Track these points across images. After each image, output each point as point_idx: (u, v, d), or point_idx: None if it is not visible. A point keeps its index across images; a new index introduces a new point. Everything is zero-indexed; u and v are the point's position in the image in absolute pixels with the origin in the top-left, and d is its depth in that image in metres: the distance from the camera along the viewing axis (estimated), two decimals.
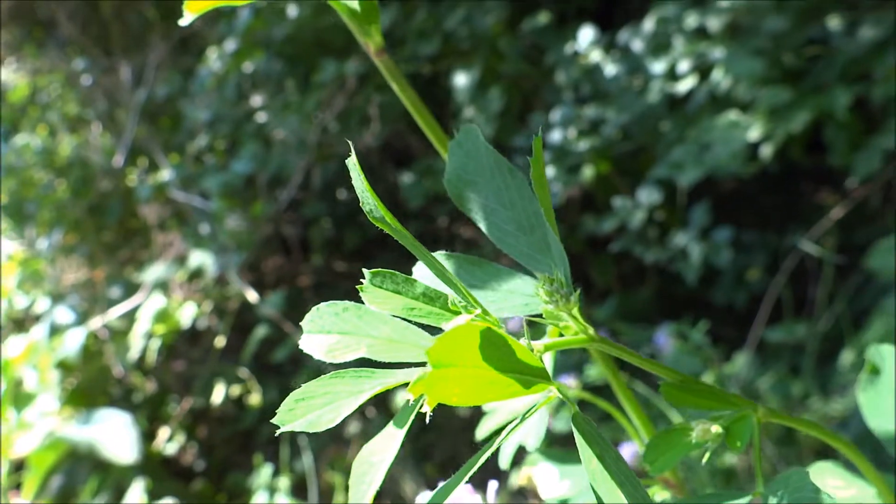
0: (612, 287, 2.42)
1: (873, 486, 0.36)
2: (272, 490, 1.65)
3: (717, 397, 0.34)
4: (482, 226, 0.34)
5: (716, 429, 0.33)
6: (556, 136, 2.05)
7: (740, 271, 2.11)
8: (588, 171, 2.08)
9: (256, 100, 2.48)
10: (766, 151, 1.68)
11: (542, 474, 0.39)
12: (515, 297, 0.32)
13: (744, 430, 0.34)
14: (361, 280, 0.31)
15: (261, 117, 2.41)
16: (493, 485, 0.37)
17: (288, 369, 2.17)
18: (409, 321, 0.29)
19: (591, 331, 0.31)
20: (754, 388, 1.75)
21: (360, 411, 2.21)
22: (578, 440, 0.28)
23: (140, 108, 2.35)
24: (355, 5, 0.34)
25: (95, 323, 1.81)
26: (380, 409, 2.13)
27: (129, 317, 1.83)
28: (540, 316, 0.32)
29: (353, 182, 0.31)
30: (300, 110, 2.28)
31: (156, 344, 1.81)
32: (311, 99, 2.30)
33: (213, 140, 2.42)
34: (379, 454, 0.28)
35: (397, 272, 0.29)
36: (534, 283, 0.31)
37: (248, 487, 1.78)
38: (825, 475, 0.41)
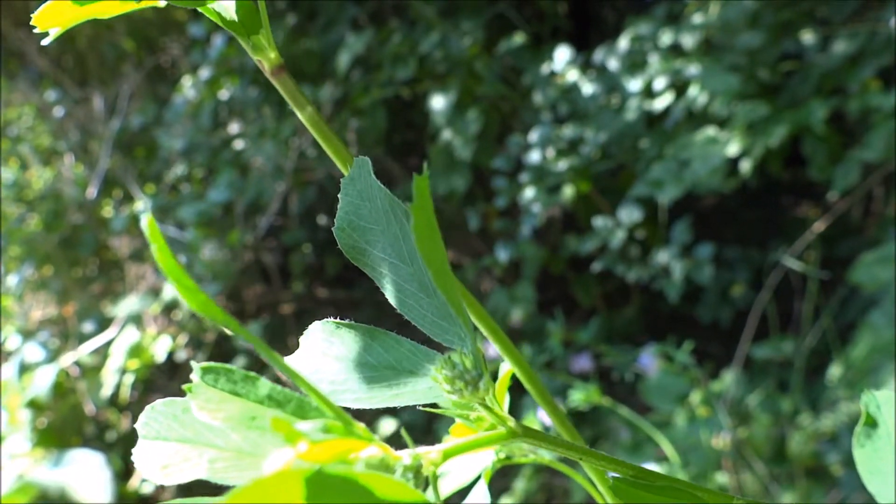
0: (597, 307, 2.39)
1: None
2: None
3: (679, 494, 0.26)
4: (381, 285, 0.28)
5: None
6: (534, 156, 2.03)
7: (724, 288, 2.09)
8: (568, 191, 2.06)
9: (233, 127, 2.46)
10: (746, 166, 1.67)
11: None
12: (419, 381, 0.25)
13: None
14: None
15: (237, 144, 2.38)
16: None
17: None
18: None
19: (511, 423, 0.24)
20: (743, 405, 1.72)
21: None
22: None
23: (114, 138, 2.31)
24: (229, 8, 0.26)
25: (67, 359, 1.75)
26: None
27: (102, 352, 1.78)
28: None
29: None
30: (276, 137, 2.26)
31: (130, 379, 1.76)
32: (287, 125, 2.27)
33: (190, 169, 2.39)
34: None
35: (234, 368, 0.22)
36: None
37: None
38: None
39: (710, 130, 1.70)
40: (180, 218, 2.14)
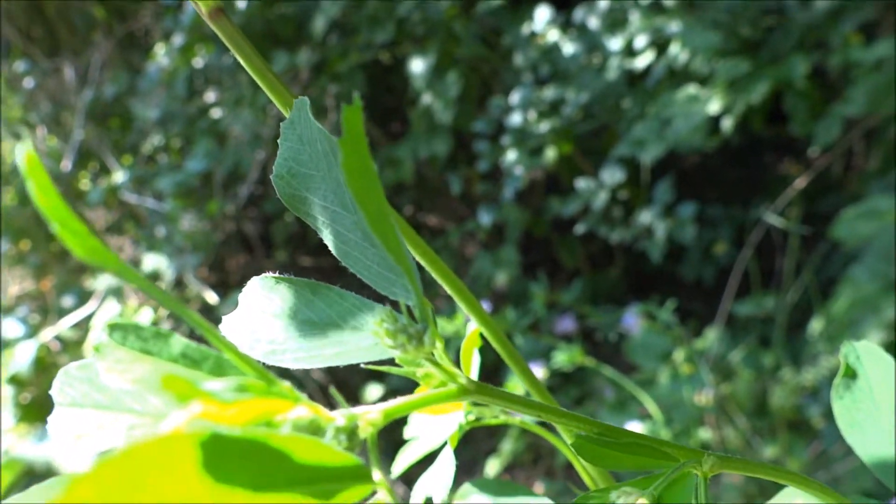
0: (580, 269, 2.39)
1: None
2: None
3: (645, 451, 0.24)
4: (324, 236, 0.26)
5: (641, 501, 0.23)
6: (516, 118, 2.01)
7: (707, 246, 2.10)
8: (550, 153, 2.05)
9: (209, 96, 2.41)
10: (727, 124, 1.65)
11: None
12: (363, 337, 0.23)
13: (681, 497, 0.24)
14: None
15: (214, 113, 2.34)
16: None
17: None
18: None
19: (462, 379, 0.22)
20: (726, 362, 1.74)
21: None
22: None
23: (86, 109, 2.26)
24: None
25: (47, 334, 1.73)
26: None
27: (83, 326, 1.76)
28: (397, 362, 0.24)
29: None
30: (253, 104, 2.22)
31: None
32: (263, 93, 2.23)
33: (166, 139, 2.34)
34: None
35: (144, 325, 0.20)
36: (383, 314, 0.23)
37: None
38: (794, 495, 0.37)
39: (692, 88, 1.68)
40: (158, 189, 2.11)
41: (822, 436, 1.54)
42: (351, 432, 0.18)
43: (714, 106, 1.64)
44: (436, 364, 0.21)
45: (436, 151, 2.20)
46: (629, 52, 1.88)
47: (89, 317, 1.76)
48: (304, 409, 0.17)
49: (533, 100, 2.01)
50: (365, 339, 0.23)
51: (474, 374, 0.33)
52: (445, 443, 0.30)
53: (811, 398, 1.58)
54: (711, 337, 1.77)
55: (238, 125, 2.19)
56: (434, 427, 0.31)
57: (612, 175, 1.90)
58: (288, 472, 0.15)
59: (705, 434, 1.65)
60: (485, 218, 2.13)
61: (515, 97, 2.00)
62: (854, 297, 1.47)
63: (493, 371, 1.68)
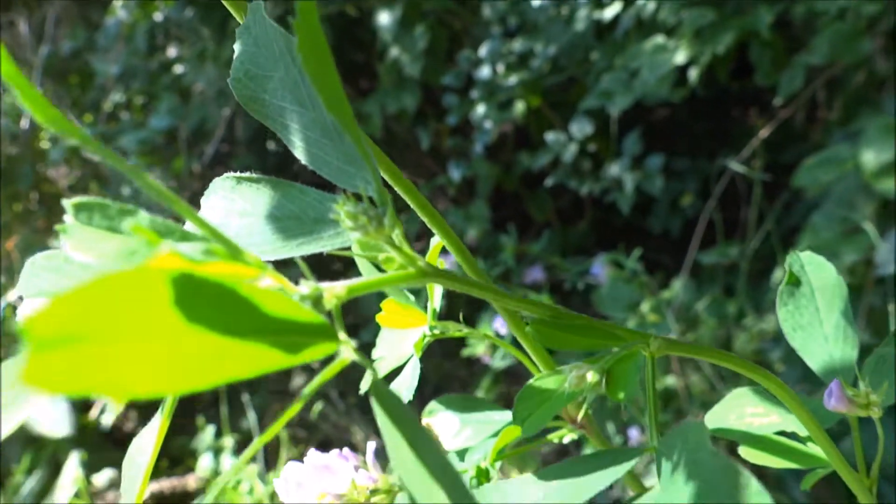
0: (551, 222, 2.41)
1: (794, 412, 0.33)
2: (217, 451, 1.61)
3: (597, 333, 0.26)
4: (284, 137, 0.26)
5: (591, 375, 0.25)
6: (484, 71, 2.00)
7: (675, 198, 2.13)
8: (519, 107, 2.04)
9: (171, 51, 2.35)
10: (694, 74, 1.66)
11: (441, 424, 0.35)
12: (325, 227, 0.24)
13: (629, 373, 0.26)
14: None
15: (177, 69, 2.29)
16: (371, 445, 0.33)
17: None
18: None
19: (421, 263, 0.23)
20: (691, 311, 1.78)
21: (307, 365, 2.18)
22: (381, 419, 0.19)
23: (43, 65, 2.19)
24: None
25: (12, 295, 1.71)
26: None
27: None
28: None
29: None
30: (217, 59, 2.17)
31: None
32: (227, 46, 2.18)
33: (129, 95, 2.29)
34: (143, 454, 0.23)
35: (110, 203, 0.20)
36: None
37: (194, 450, 1.74)
38: (744, 403, 0.39)
39: (659, 38, 1.69)
40: (121, 147, 2.07)
41: (783, 377, 1.59)
42: (316, 300, 0.18)
43: (680, 56, 1.64)
44: (396, 248, 0.22)
45: (404, 106, 2.19)
46: (597, 2, 1.87)
47: None
48: (271, 279, 0.17)
49: (502, 52, 2.00)
50: (328, 230, 0.23)
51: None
52: (412, 355, 0.31)
53: (772, 343, 1.63)
54: (677, 287, 1.81)
55: (202, 81, 2.15)
56: (400, 341, 0.32)
57: (581, 128, 1.90)
58: (256, 320, 0.15)
59: (671, 380, 1.69)
60: (455, 173, 2.13)
61: (484, 50, 1.99)
62: (814, 244, 1.51)
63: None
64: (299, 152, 0.25)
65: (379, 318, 0.33)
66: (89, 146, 0.18)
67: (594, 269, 1.44)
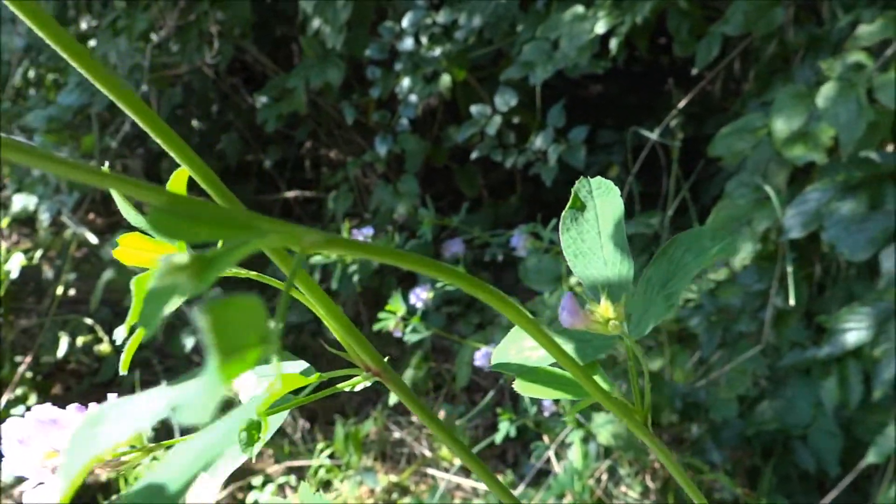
0: (482, 198, 2.40)
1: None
2: None
3: (231, 223, 0.20)
4: None
5: (180, 258, 0.18)
6: (408, 43, 1.96)
7: (602, 171, 2.13)
8: (445, 79, 2.01)
9: (82, 24, 2.24)
10: (614, 44, 1.66)
11: (241, 383, 0.33)
12: None
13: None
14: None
15: (88, 43, 2.18)
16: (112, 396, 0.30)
17: None
18: None
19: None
20: None
21: None
22: None
23: None
24: None
25: None
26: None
27: None
28: None
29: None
30: (130, 32, 2.08)
31: None
32: (141, 19, 2.09)
33: (36, 70, 2.18)
34: None
35: None
36: None
37: None
38: (522, 336, 0.37)
39: (579, 7, 1.67)
40: (28, 124, 1.96)
41: (702, 345, 1.61)
42: None
43: (600, 26, 1.63)
44: None
45: (329, 79, 2.13)
46: None
47: None
48: None
49: (425, 24, 1.96)
50: None
51: None
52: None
53: (692, 311, 1.65)
54: None
55: (114, 54, 2.05)
56: None
57: (506, 100, 1.88)
58: None
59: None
60: (381, 148, 2.10)
61: (406, 21, 1.95)
62: (730, 213, 1.53)
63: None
64: None
65: (115, 252, 0.31)
66: None
67: (513, 241, 1.43)
